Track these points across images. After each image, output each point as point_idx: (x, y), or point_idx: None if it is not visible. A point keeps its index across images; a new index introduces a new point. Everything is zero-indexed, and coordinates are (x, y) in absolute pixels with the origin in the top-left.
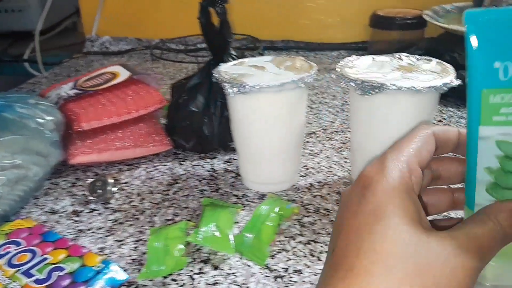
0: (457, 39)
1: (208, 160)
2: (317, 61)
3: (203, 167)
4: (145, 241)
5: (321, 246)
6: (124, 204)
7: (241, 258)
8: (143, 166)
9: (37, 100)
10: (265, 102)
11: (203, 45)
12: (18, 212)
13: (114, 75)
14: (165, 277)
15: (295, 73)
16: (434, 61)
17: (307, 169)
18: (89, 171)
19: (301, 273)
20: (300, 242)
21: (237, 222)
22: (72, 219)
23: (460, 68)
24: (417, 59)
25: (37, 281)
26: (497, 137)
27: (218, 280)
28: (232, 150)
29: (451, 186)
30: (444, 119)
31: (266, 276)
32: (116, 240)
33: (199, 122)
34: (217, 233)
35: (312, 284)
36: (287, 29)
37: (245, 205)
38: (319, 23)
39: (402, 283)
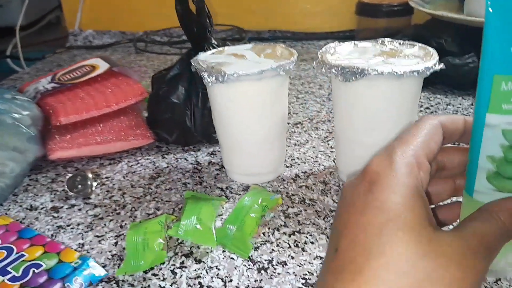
0: (444, 25)
1: (192, 152)
2: (304, 50)
3: (186, 160)
4: (125, 236)
5: (305, 237)
6: (104, 199)
7: (224, 251)
8: (125, 160)
9: (13, 95)
10: (245, 90)
11: None
12: None
13: (93, 68)
14: (145, 272)
15: (275, 61)
16: (417, 45)
17: (293, 159)
18: (70, 167)
19: (285, 264)
20: (284, 233)
21: (221, 215)
22: (52, 216)
23: (447, 54)
24: (400, 44)
25: (13, 279)
26: (504, 126)
27: (200, 273)
28: (216, 142)
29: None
30: (432, 106)
31: (250, 268)
32: (96, 236)
33: (181, 114)
34: (198, 226)
35: (296, 275)
36: (274, 19)
37: (229, 197)
38: (305, 12)
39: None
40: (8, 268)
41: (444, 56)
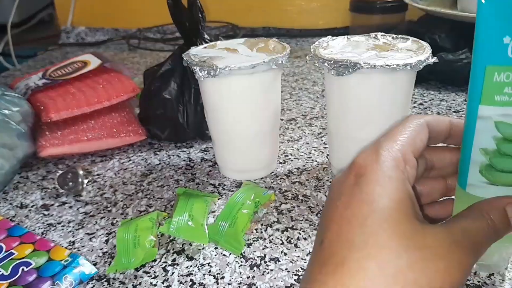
0: (437, 21)
1: (185, 149)
2: (298, 47)
3: (179, 156)
4: (116, 233)
5: (298, 233)
6: (96, 196)
7: (216, 248)
8: (116, 157)
9: (3, 91)
10: (237, 85)
11: None
12: None
13: (84, 64)
14: (137, 269)
15: (268, 55)
16: (410, 39)
17: (286, 155)
18: (61, 164)
19: (278, 260)
20: (277, 229)
21: (213, 211)
22: (42, 213)
23: (440, 50)
24: (393, 38)
25: (1, 277)
26: (497, 118)
27: (192, 271)
28: (209, 138)
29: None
30: (425, 102)
31: (242, 265)
32: (87, 233)
33: (173, 110)
34: (190, 223)
35: (289, 271)
36: (268, 15)
37: (221, 194)
38: (300, 9)
39: (395, 278)
40: None
41: (438, 52)
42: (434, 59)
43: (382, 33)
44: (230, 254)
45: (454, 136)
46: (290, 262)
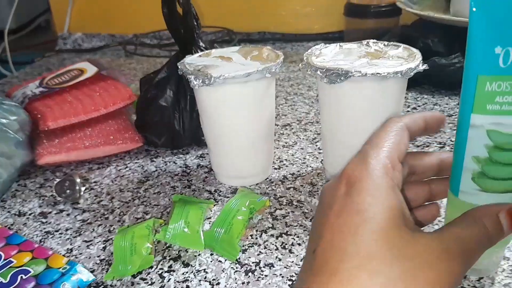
0: (430, 26)
1: (181, 156)
2: (293, 52)
3: (175, 163)
4: (113, 241)
5: (293, 238)
6: (93, 203)
7: (212, 254)
8: (113, 164)
9: (0, 100)
10: (231, 93)
11: None
12: None
13: (81, 71)
14: (134, 276)
15: (262, 63)
16: (402, 46)
17: (281, 161)
18: (58, 171)
19: (272, 266)
20: (272, 235)
21: (209, 218)
22: (40, 221)
23: (433, 55)
24: (385, 45)
25: (0, 285)
26: (489, 127)
27: (188, 277)
28: (205, 145)
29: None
30: (419, 106)
31: (237, 271)
32: (84, 241)
33: (169, 117)
34: (186, 230)
35: (283, 277)
36: (263, 20)
37: (217, 200)
38: (295, 14)
39: None
40: None
41: (431, 57)
42: (424, 67)
43: (374, 40)
44: (225, 260)
45: (429, 130)
46: (285, 267)
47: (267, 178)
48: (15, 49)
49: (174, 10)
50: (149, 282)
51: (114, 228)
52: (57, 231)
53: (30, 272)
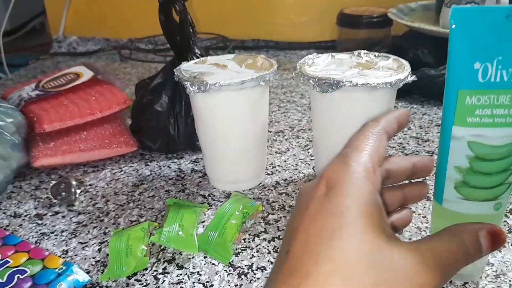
0: (421, 37)
1: (175, 160)
2: (286, 60)
3: (170, 167)
4: (109, 242)
5: None
6: (88, 206)
7: (205, 257)
8: (108, 167)
9: None
10: (226, 100)
11: None
12: None
13: (77, 75)
14: (129, 278)
15: (256, 71)
16: (392, 58)
17: (274, 167)
18: (54, 174)
19: (264, 269)
20: (264, 239)
21: (203, 222)
22: (36, 223)
23: (423, 65)
24: (376, 56)
25: None
26: (469, 138)
27: (182, 279)
28: (199, 150)
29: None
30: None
31: (230, 273)
32: (79, 242)
33: (164, 122)
34: (180, 233)
35: None
36: (257, 28)
37: (211, 204)
38: (289, 22)
39: None
40: None
41: (421, 67)
42: (413, 78)
43: (365, 51)
44: (219, 263)
45: (401, 127)
46: None
47: (260, 183)
48: (10, 51)
49: (171, 17)
50: (144, 284)
51: (109, 230)
52: (52, 232)
53: (26, 272)
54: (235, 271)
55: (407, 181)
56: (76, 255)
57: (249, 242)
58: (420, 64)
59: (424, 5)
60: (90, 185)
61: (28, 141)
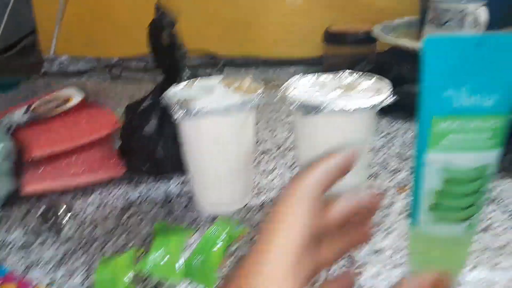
0: (404, 53)
1: (164, 182)
2: (275, 77)
3: (158, 190)
4: (96, 271)
5: None
6: (76, 232)
7: (190, 283)
8: (97, 191)
9: None
10: (211, 125)
11: None
12: None
13: (67, 99)
14: None
15: (243, 94)
16: (374, 78)
17: (260, 187)
18: (43, 199)
19: None
20: None
21: (189, 246)
22: (24, 251)
23: (406, 82)
24: (359, 76)
25: None
26: (442, 162)
27: None
28: (187, 173)
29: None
30: (392, 131)
31: None
32: (67, 271)
33: (153, 145)
34: (166, 259)
35: None
36: (246, 45)
37: (198, 227)
38: (277, 39)
39: None
40: None
41: (404, 83)
42: (392, 100)
43: (350, 71)
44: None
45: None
46: None
47: (247, 204)
48: (1, 71)
49: (160, 42)
50: None
51: (96, 258)
52: (40, 261)
53: None
54: None
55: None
56: (63, 283)
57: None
58: (404, 81)
59: (408, 22)
60: (78, 210)
61: (18, 167)
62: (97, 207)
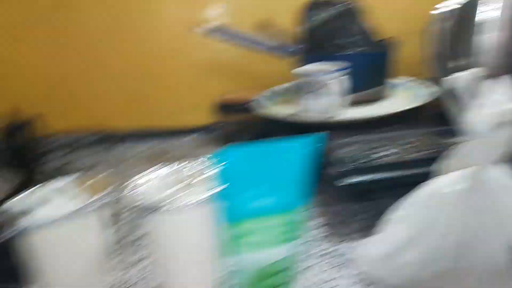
0: (282, 121)
1: None
2: (169, 147)
3: None
4: None
5: None
6: None
7: None
8: None
9: None
10: (52, 235)
11: None
12: None
13: None
14: None
15: (88, 196)
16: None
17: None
18: None
19: None
20: None
21: None
22: None
23: None
24: (200, 166)
25: None
26: (242, 263)
27: None
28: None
29: None
30: None
31: None
32: None
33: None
34: None
35: None
36: (139, 117)
37: None
38: (170, 109)
39: None
40: None
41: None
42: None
43: (193, 162)
44: None
45: None
46: None
47: None
48: None
49: (15, 141)
50: None
51: None
52: None
53: None
54: None
55: None
56: None
57: None
58: None
59: (287, 89)
60: None
61: None
62: None
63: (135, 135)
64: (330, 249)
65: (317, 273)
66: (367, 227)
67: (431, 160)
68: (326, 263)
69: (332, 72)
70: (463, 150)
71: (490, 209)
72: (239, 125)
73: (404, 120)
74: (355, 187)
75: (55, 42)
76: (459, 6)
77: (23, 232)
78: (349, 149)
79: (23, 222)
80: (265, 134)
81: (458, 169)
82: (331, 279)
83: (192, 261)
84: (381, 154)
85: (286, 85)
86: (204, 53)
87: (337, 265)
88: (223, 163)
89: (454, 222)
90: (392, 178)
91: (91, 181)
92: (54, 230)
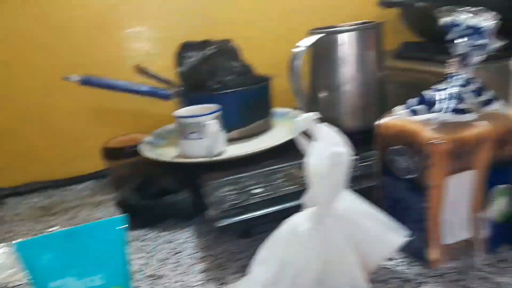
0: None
1: None
2: (63, 197)
3: None
4: None
5: None
6: None
7: None
8: None
9: None
10: None
11: None
12: None
13: None
14: None
15: None
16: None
17: None
18: None
19: None
20: None
21: None
22: None
23: (169, 193)
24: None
25: None
26: None
27: None
28: None
29: None
30: (157, 244)
31: None
32: None
33: None
34: None
35: None
36: (30, 170)
37: None
38: (60, 159)
39: None
40: None
41: (171, 192)
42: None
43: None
44: None
45: None
46: None
47: None
48: None
49: None
50: None
51: None
52: None
53: None
54: None
55: None
56: None
57: None
58: (167, 192)
59: (170, 131)
60: None
61: None
62: None
63: (21, 192)
64: None
65: None
66: (244, 267)
67: (299, 193)
68: None
69: (210, 113)
70: (311, 189)
71: (332, 245)
72: (128, 169)
73: (282, 152)
74: (235, 227)
75: None
76: (313, 43)
77: None
78: (228, 188)
79: None
80: (152, 177)
81: (310, 206)
82: None
83: None
84: (258, 191)
85: (169, 126)
86: (88, 99)
87: None
88: (27, 253)
89: (311, 258)
90: (268, 214)
91: None
92: None
